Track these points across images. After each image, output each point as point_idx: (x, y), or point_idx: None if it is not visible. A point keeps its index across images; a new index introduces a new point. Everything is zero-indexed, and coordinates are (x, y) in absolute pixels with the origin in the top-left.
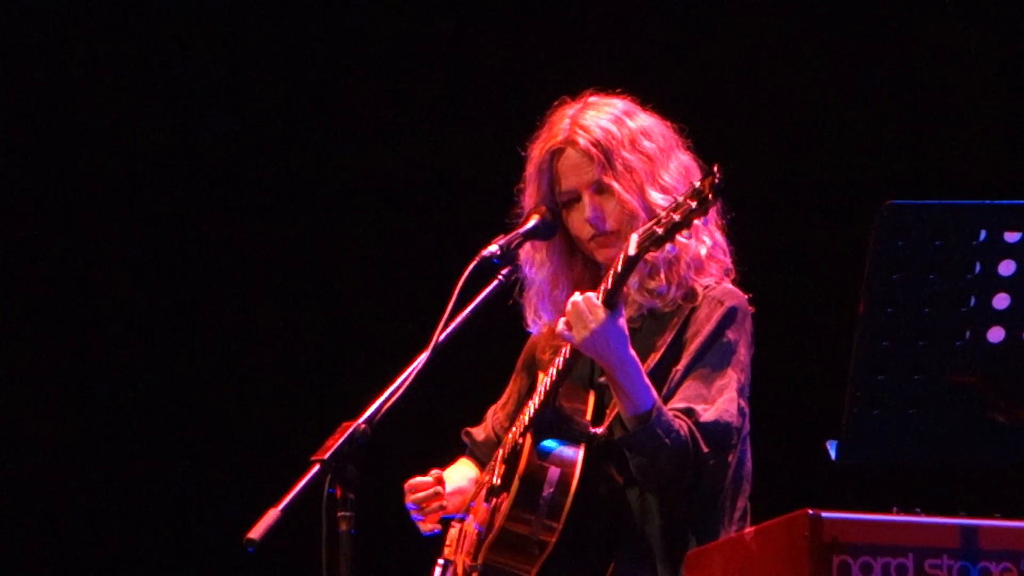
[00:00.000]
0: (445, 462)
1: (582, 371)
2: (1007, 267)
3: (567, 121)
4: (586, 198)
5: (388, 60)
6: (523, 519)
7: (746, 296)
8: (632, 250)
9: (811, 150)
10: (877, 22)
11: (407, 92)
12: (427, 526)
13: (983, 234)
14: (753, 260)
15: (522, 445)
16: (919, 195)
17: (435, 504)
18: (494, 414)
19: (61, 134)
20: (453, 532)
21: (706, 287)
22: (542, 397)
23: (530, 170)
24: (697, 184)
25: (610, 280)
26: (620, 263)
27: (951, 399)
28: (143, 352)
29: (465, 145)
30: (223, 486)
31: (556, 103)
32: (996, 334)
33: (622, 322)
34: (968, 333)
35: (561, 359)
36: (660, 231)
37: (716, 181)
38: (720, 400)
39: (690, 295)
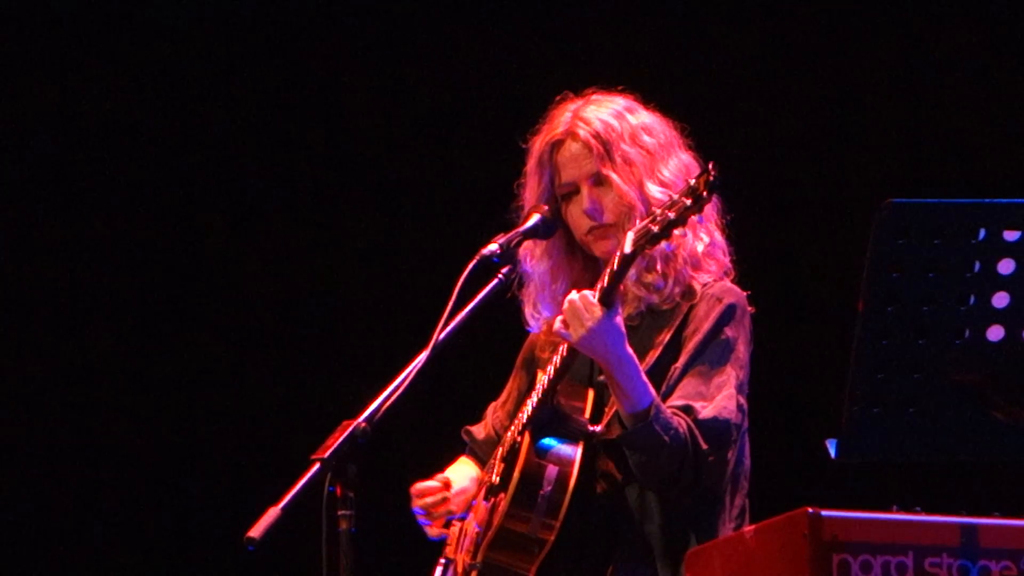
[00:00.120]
0: (445, 460)
1: (581, 369)
2: (1006, 266)
3: (568, 114)
4: (584, 190)
5: (388, 58)
6: (522, 517)
7: (745, 293)
8: (628, 248)
9: (811, 149)
10: (877, 21)
11: (408, 90)
12: (434, 531)
13: (982, 233)
14: (753, 259)
15: (520, 443)
16: (918, 194)
17: (443, 509)
18: (494, 412)
19: (60, 134)
20: (454, 531)
21: (704, 284)
22: (540, 395)
23: (531, 164)
24: (692, 182)
25: (606, 278)
26: (616, 261)
27: (950, 398)
28: (143, 351)
29: (465, 144)
30: (223, 484)
31: (558, 98)
32: (995, 333)
33: (619, 320)
34: (967, 332)
35: (559, 357)
36: (655, 228)
37: (711, 179)
38: (719, 397)
39: (688, 293)
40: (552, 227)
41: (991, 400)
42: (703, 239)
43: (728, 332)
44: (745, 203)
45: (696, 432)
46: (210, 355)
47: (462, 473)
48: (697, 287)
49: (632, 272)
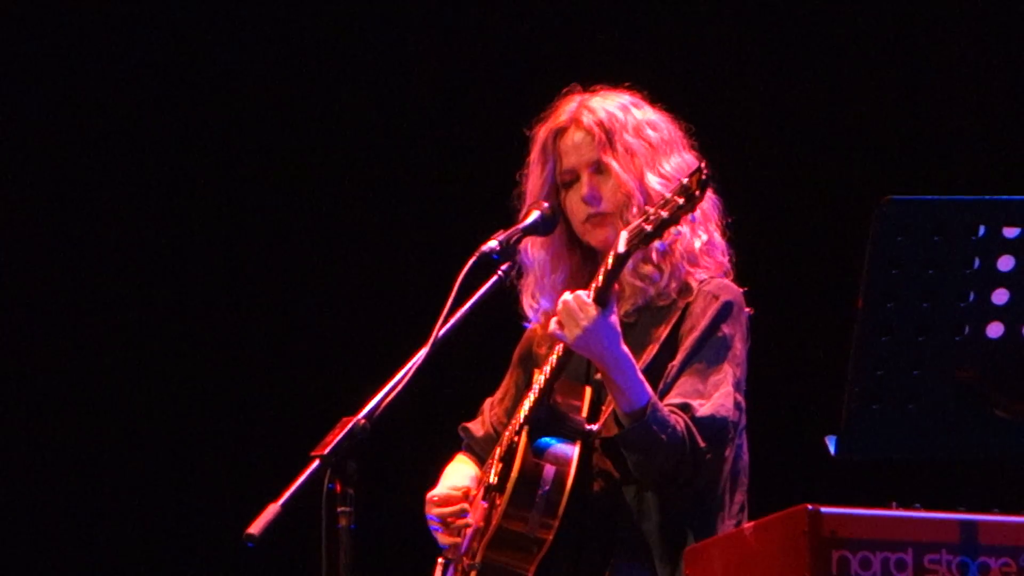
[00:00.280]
0: (445, 457)
1: (578, 367)
2: (1006, 263)
3: (574, 104)
4: (584, 177)
5: (389, 55)
6: (520, 517)
7: (741, 290)
8: (622, 247)
9: (810, 146)
10: (876, 19)
11: (408, 87)
12: (446, 538)
13: (982, 230)
14: (753, 256)
15: (517, 443)
16: (918, 191)
17: (462, 521)
18: (491, 408)
19: (59, 133)
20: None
21: (701, 281)
22: (537, 395)
23: (534, 151)
24: (685, 180)
25: (601, 277)
26: (610, 260)
27: (950, 394)
28: (142, 348)
29: (465, 141)
30: (223, 481)
31: (565, 91)
32: (995, 329)
33: (614, 319)
34: (967, 328)
35: (555, 357)
36: (649, 228)
37: (703, 177)
38: (716, 395)
39: (685, 289)
40: (552, 224)
41: (991, 397)
42: (701, 236)
43: (725, 329)
44: (745, 200)
45: (694, 430)
46: (209, 352)
47: (462, 473)
48: (693, 284)
49: (628, 263)
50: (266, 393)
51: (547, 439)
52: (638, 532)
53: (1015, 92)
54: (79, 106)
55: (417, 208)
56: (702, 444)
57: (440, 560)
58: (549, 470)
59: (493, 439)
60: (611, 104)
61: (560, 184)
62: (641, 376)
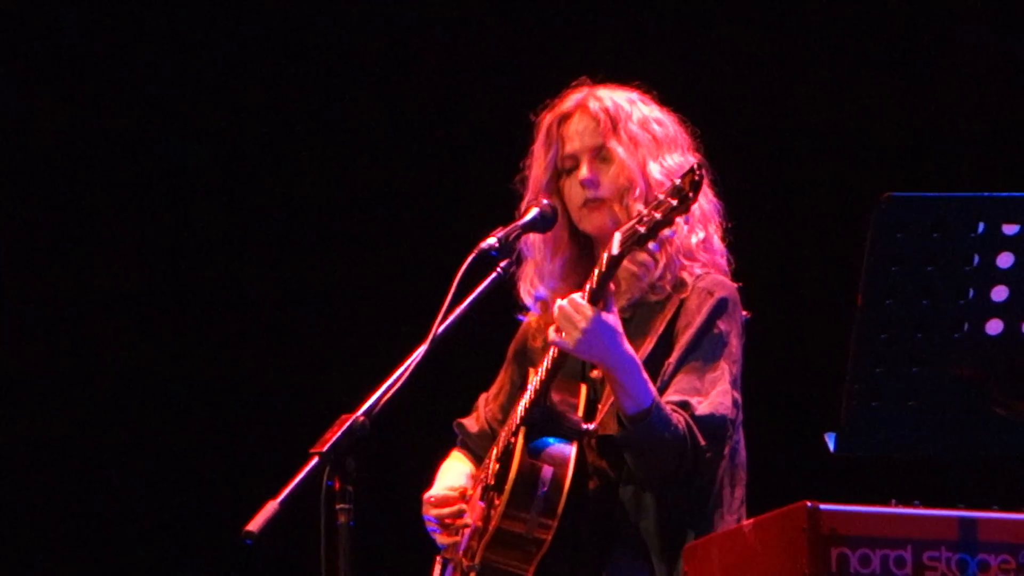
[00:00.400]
0: (443, 454)
1: (574, 364)
2: (1005, 259)
3: (582, 93)
4: (585, 161)
5: (388, 52)
6: (518, 518)
7: (736, 286)
8: (615, 249)
9: (810, 142)
10: (875, 16)
11: (408, 84)
12: (444, 539)
13: (981, 226)
14: (753, 253)
15: (514, 444)
16: (917, 187)
17: (460, 522)
18: (486, 404)
19: (58, 132)
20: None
21: (696, 277)
22: (532, 395)
23: (539, 138)
24: (678, 181)
25: (595, 279)
26: (604, 263)
27: (949, 391)
28: (141, 344)
29: (465, 138)
30: (222, 479)
31: (575, 83)
32: (994, 326)
33: (614, 318)
34: (966, 325)
35: (549, 359)
36: (643, 229)
37: (696, 178)
38: (713, 392)
39: (679, 284)
40: (551, 221)
41: (990, 394)
42: (698, 233)
43: (721, 326)
44: (744, 197)
45: (694, 428)
46: (208, 349)
47: (457, 471)
48: (688, 279)
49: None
50: (265, 390)
51: (544, 439)
52: (636, 530)
53: (1014, 89)
54: (79, 106)
55: (416, 205)
56: (702, 442)
57: (439, 559)
58: (547, 471)
59: (488, 435)
60: (619, 96)
61: (562, 170)
62: (645, 376)
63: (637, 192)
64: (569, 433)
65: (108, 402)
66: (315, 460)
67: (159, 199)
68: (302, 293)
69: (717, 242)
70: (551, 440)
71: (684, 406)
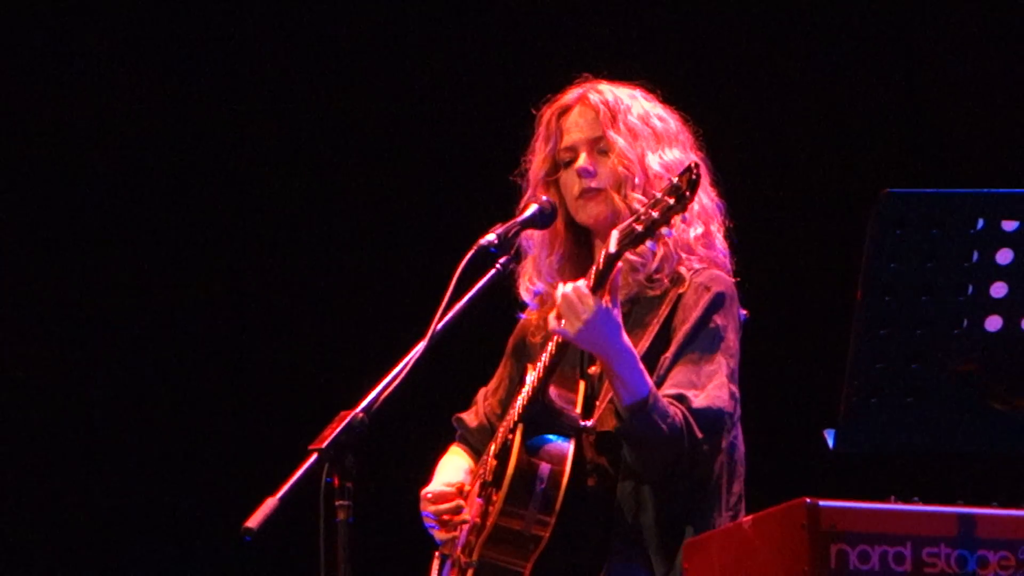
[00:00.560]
0: (442, 451)
1: (572, 361)
2: (1005, 256)
3: (584, 86)
4: (584, 151)
5: (391, 46)
6: (516, 515)
7: (733, 281)
8: (613, 247)
9: (809, 139)
10: (875, 15)
11: (407, 80)
12: (443, 535)
13: (981, 223)
14: (752, 249)
15: (512, 441)
16: (917, 184)
17: (458, 519)
18: (485, 399)
19: (58, 132)
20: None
21: (693, 272)
22: (530, 392)
23: (539, 130)
24: (675, 180)
25: (592, 277)
26: (601, 261)
27: (949, 388)
28: (140, 341)
29: (464, 135)
30: (221, 475)
31: (577, 79)
32: (994, 322)
33: (615, 310)
34: (966, 322)
35: (547, 355)
36: (640, 228)
37: (693, 177)
38: (711, 386)
39: (677, 279)
40: (550, 217)
41: (989, 390)
42: (697, 228)
43: (718, 320)
44: (743, 194)
45: (691, 421)
46: (207, 346)
47: (456, 466)
48: (685, 274)
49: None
50: (264, 387)
51: (542, 436)
52: (634, 526)
53: (1014, 85)
54: (78, 105)
55: (415, 201)
56: (699, 435)
57: (437, 555)
58: (544, 468)
59: (487, 429)
60: (620, 91)
61: (560, 163)
62: (642, 367)
63: (635, 182)
64: (567, 430)
65: (108, 399)
66: (314, 456)
67: (159, 197)
68: (301, 289)
69: (719, 239)
70: (549, 437)
71: (681, 399)
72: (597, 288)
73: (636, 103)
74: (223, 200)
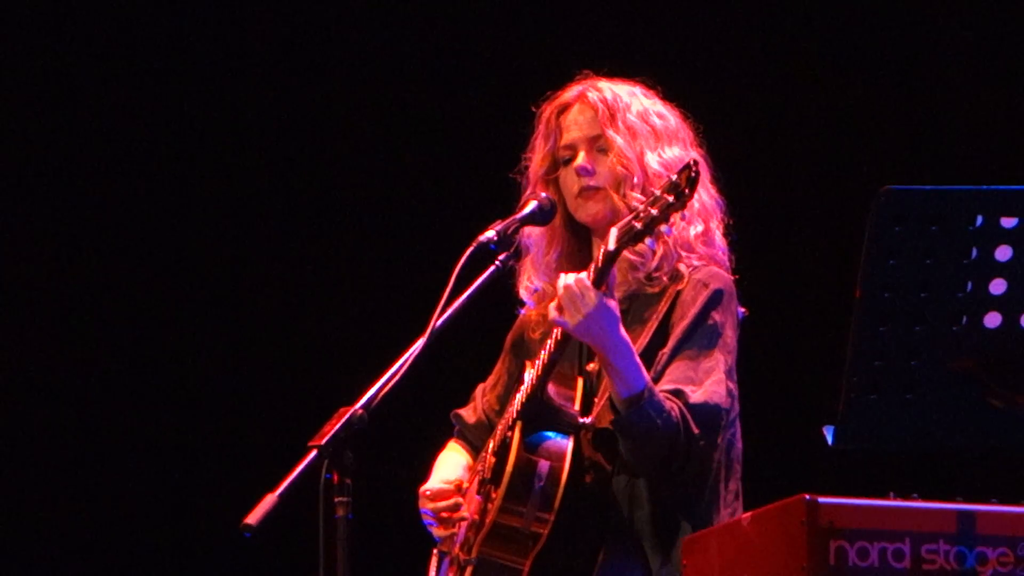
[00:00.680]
0: (441, 448)
1: (571, 357)
2: (1003, 252)
3: (583, 85)
4: (582, 150)
5: (391, 44)
6: (515, 512)
7: (732, 278)
8: (612, 244)
9: (808, 136)
10: (874, 13)
11: (406, 78)
12: (441, 532)
13: (979, 219)
14: (751, 245)
15: (511, 438)
16: (916, 181)
17: (456, 516)
18: (483, 395)
19: (58, 132)
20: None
21: (692, 269)
22: (529, 389)
23: (538, 128)
24: (674, 178)
25: (592, 274)
26: (600, 258)
27: (948, 385)
28: (139, 339)
29: (464, 132)
30: (220, 472)
31: (578, 76)
32: (993, 319)
33: (613, 303)
34: (965, 318)
35: (546, 353)
36: (639, 226)
37: (692, 174)
38: (708, 382)
39: (675, 276)
40: (549, 214)
41: (988, 387)
42: (696, 226)
43: (715, 317)
44: (742, 191)
45: (688, 416)
46: (207, 343)
47: (454, 462)
48: (684, 271)
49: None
50: (263, 383)
51: (541, 434)
52: (630, 521)
53: (1013, 82)
54: (78, 105)
55: (415, 198)
56: (696, 431)
57: (435, 552)
58: (543, 465)
59: (485, 425)
60: (620, 88)
61: (560, 161)
62: (639, 361)
63: (635, 181)
64: (566, 427)
65: (107, 397)
66: (313, 453)
67: (159, 195)
68: (301, 286)
69: (718, 237)
70: (548, 434)
71: (678, 394)
72: (596, 285)
73: (635, 101)
74: (223, 199)
